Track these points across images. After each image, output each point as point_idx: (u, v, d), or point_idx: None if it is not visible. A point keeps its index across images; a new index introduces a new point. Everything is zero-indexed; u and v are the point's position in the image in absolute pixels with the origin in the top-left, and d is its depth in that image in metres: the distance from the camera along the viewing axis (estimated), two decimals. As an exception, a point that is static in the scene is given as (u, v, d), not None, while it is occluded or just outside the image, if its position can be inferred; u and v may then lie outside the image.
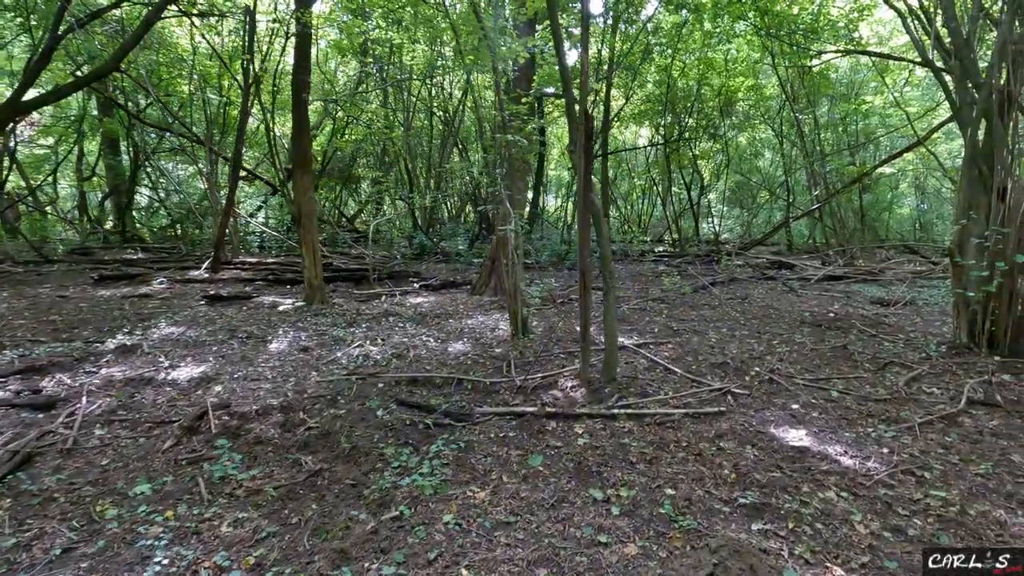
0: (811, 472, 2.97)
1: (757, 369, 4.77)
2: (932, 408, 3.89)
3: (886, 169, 15.15)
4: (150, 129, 15.04)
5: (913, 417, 3.71)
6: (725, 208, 23.64)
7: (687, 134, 16.81)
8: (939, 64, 6.84)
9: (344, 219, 19.66)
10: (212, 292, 8.59)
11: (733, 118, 17.93)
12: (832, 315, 7.02)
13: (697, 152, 16.94)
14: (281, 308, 7.79)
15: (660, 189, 18.62)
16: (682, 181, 18.39)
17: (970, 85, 5.56)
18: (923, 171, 18.76)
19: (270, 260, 12.84)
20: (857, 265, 11.63)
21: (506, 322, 6.38)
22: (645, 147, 20.20)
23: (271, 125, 13.44)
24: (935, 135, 15.96)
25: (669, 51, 15.66)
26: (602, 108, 13.77)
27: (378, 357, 5.34)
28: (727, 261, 11.15)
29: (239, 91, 12.00)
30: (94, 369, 4.83)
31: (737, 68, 16.19)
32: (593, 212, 4.15)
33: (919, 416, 3.73)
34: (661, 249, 17.19)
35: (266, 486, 2.90)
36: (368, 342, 5.84)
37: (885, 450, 3.22)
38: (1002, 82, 5.17)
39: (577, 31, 14.05)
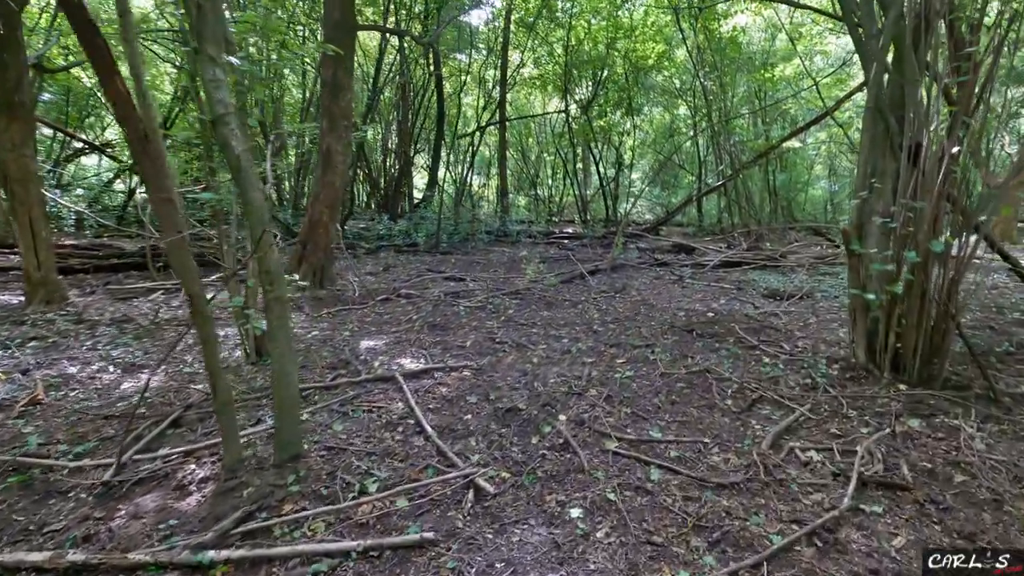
0: None
1: (563, 418, 3.07)
2: (801, 502, 2.31)
3: (795, 143, 14.15)
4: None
5: (767, 532, 2.09)
6: (648, 188, 22.42)
7: (594, 103, 15.20)
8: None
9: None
10: None
11: (651, 92, 16.49)
12: (712, 315, 5.50)
13: (603, 124, 15.34)
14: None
15: (572, 167, 16.97)
16: (592, 158, 16.86)
17: (877, 8, 4.03)
18: (835, 150, 18.11)
19: (82, 242, 9.91)
20: (761, 248, 10.41)
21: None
22: (546, 115, 18.46)
23: None
24: (849, 115, 15.11)
25: (571, 6, 13.92)
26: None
27: (-25, 407, 3.25)
28: (621, 244, 9.60)
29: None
30: None
31: (647, 32, 14.70)
32: (233, 167, 2.23)
33: (776, 530, 2.12)
34: (571, 231, 15.60)
35: None
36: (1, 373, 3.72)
37: (688, 656, 1.54)
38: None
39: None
